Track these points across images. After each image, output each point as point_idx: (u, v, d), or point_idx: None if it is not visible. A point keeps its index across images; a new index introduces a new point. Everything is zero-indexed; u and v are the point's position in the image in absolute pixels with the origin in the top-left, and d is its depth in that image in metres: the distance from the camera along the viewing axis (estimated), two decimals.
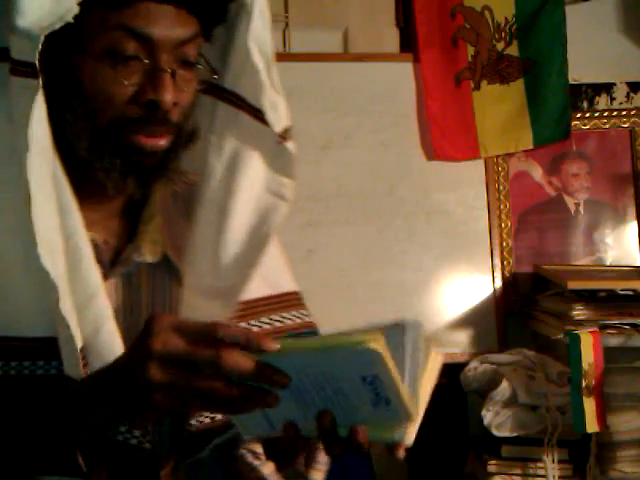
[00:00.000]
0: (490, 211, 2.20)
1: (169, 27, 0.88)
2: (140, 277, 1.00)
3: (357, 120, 2.17)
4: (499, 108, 2.20)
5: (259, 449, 0.92)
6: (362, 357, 0.65)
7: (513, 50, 2.21)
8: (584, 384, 1.65)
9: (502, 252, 2.19)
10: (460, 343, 2.13)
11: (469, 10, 2.20)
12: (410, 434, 0.72)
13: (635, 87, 2.28)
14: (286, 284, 1.13)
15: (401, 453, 0.74)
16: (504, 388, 1.77)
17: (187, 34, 0.90)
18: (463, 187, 2.20)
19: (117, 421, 0.87)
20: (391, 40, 2.25)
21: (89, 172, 0.92)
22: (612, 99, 2.27)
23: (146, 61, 0.88)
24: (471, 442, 2.02)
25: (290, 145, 1.01)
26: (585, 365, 1.66)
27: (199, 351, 0.70)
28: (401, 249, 2.13)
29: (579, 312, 1.84)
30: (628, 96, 2.28)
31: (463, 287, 2.15)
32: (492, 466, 1.81)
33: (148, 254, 0.99)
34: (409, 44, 2.23)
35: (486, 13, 2.21)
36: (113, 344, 0.90)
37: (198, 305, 1.01)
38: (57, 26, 0.83)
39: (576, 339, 1.68)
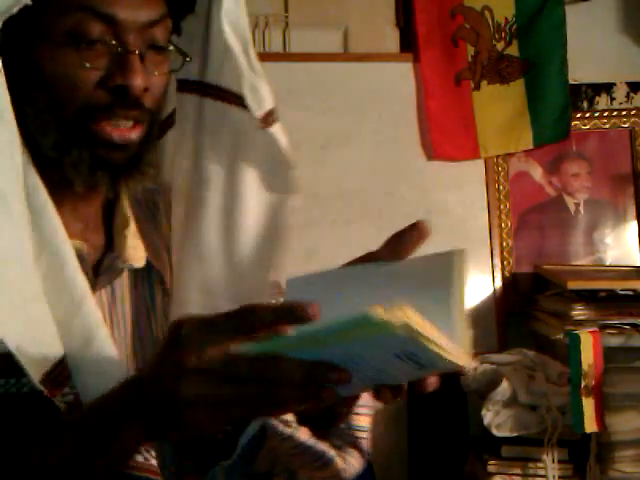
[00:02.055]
0: (490, 211, 2.20)
1: (134, 8, 0.82)
2: (123, 287, 0.93)
3: (357, 120, 2.17)
4: (499, 108, 2.20)
5: (289, 416, 0.85)
6: (391, 339, 0.58)
7: (513, 50, 2.21)
8: (583, 384, 1.65)
9: (502, 252, 2.19)
10: None
11: (469, 10, 2.20)
12: (467, 360, 0.67)
13: (635, 87, 2.28)
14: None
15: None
16: (504, 388, 1.77)
17: (154, 15, 0.84)
18: (463, 187, 2.20)
19: (144, 444, 0.80)
20: (391, 40, 2.25)
21: (58, 173, 0.83)
22: (612, 99, 2.27)
23: (113, 42, 0.81)
24: (471, 442, 2.02)
25: (275, 130, 0.95)
26: (585, 365, 1.66)
27: (239, 362, 0.62)
28: None
29: (579, 312, 1.84)
30: (628, 96, 2.28)
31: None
32: (492, 466, 1.81)
33: (132, 260, 0.92)
34: (409, 44, 2.23)
35: (486, 13, 2.21)
36: (108, 354, 0.83)
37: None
38: (14, 10, 0.77)
39: (576, 339, 1.68)
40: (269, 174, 0.99)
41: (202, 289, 0.98)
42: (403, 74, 2.20)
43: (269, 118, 0.95)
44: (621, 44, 2.28)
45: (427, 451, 2.07)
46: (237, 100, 0.95)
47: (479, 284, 2.16)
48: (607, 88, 2.27)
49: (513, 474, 1.80)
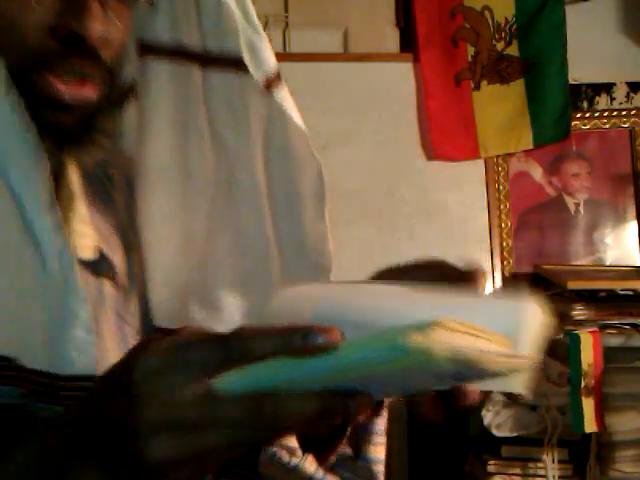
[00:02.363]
0: (490, 211, 2.20)
1: None
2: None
3: (357, 120, 2.17)
4: (499, 108, 2.20)
5: (293, 442, 0.71)
6: (432, 368, 0.47)
7: (513, 50, 2.21)
8: (583, 384, 1.65)
9: (502, 252, 2.19)
10: None
11: (469, 10, 2.20)
12: (522, 383, 0.56)
13: (635, 87, 2.28)
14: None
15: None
16: None
17: None
18: (463, 187, 2.20)
19: None
20: (391, 40, 2.25)
21: None
22: (612, 99, 2.27)
23: None
24: (471, 442, 2.02)
25: (283, 95, 0.83)
26: (585, 365, 1.66)
27: (223, 405, 0.47)
28: (401, 249, 2.13)
29: (579, 312, 1.84)
30: (628, 96, 2.28)
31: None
32: (492, 466, 1.81)
33: (80, 250, 0.72)
34: (409, 44, 2.23)
35: (486, 13, 2.21)
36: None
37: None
38: None
39: (576, 339, 1.68)
40: (280, 146, 0.85)
41: (239, 277, 0.84)
42: (403, 74, 2.20)
43: (273, 82, 0.82)
44: (621, 44, 2.28)
45: (427, 451, 2.07)
46: (238, 63, 0.81)
47: None
48: (607, 88, 2.27)
49: (513, 474, 1.80)
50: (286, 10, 2.19)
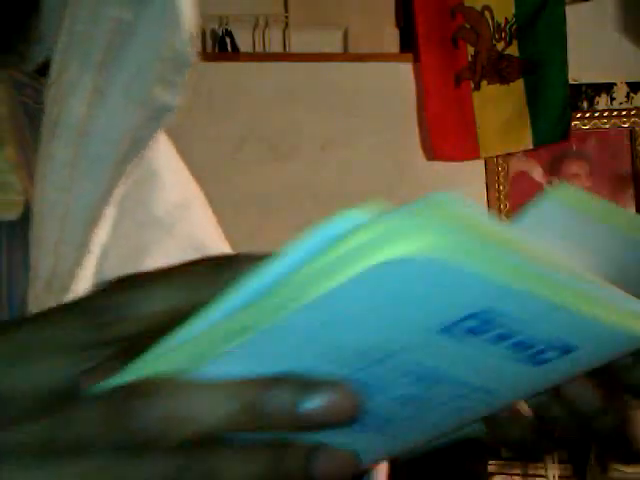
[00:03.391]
0: (490, 211, 2.20)
1: None
2: None
3: (357, 120, 2.17)
4: (499, 108, 2.20)
5: None
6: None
7: (513, 50, 2.21)
8: None
9: None
10: None
11: (469, 10, 2.20)
12: None
13: (635, 87, 2.28)
14: (217, 244, 0.66)
15: None
16: None
17: None
18: (463, 187, 2.20)
19: None
20: (391, 40, 2.25)
21: None
22: (612, 99, 2.27)
23: None
24: (471, 442, 2.02)
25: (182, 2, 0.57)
26: None
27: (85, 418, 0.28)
28: None
29: None
30: (628, 96, 2.28)
31: None
32: (492, 466, 1.81)
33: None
34: (409, 44, 2.23)
35: (486, 13, 2.21)
36: None
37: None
38: None
39: None
40: (156, 74, 0.59)
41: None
42: (403, 74, 2.20)
43: None
44: (621, 44, 2.28)
45: (427, 450, 2.07)
46: None
47: None
48: (607, 88, 2.27)
49: (513, 474, 1.80)
50: (286, 10, 2.19)
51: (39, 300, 0.55)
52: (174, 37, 0.58)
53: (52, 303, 0.54)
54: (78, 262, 0.57)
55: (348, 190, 2.16)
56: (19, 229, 0.57)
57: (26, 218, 0.57)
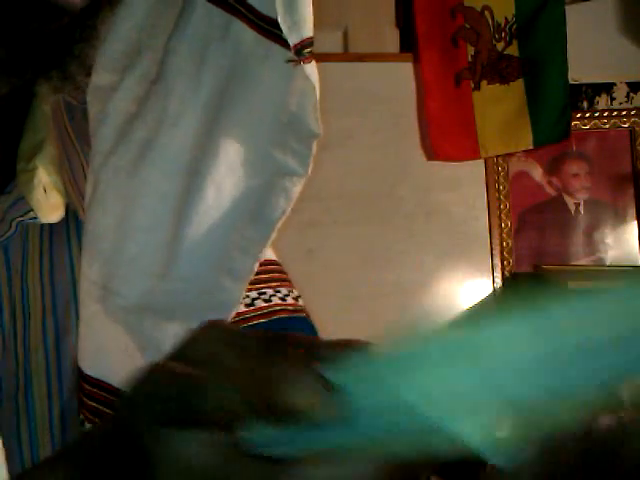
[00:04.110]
0: (490, 211, 2.20)
1: None
2: (29, 249, 0.57)
3: (357, 120, 2.17)
4: (499, 108, 2.20)
5: None
6: None
7: (513, 50, 2.21)
8: None
9: (502, 252, 2.19)
10: None
11: (469, 10, 2.20)
12: None
13: (635, 87, 2.28)
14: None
15: None
16: None
17: None
18: (463, 187, 2.20)
19: None
20: (391, 40, 2.25)
21: None
22: (612, 99, 2.27)
23: None
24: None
25: (310, 69, 0.58)
26: None
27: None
28: (401, 249, 2.13)
29: None
30: (628, 96, 2.28)
31: (463, 287, 2.15)
32: None
33: (41, 211, 0.55)
34: (409, 44, 2.23)
35: (486, 13, 2.21)
36: None
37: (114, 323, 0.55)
38: None
39: None
40: (275, 128, 0.59)
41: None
42: (403, 74, 2.20)
43: (304, 49, 0.58)
44: (621, 44, 2.28)
45: None
46: (250, 15, 0.57)
47: (479, 284, 2.16)
48: (607, 88, 2.27)
49: None
50: None
51: (87, 306, 0.55)
52: (293, 100, 0.59)
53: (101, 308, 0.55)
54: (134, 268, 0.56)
55: (348, 190, 2.16)
56: (61, 230, 0.57)
57: (65, 217, 0.57)
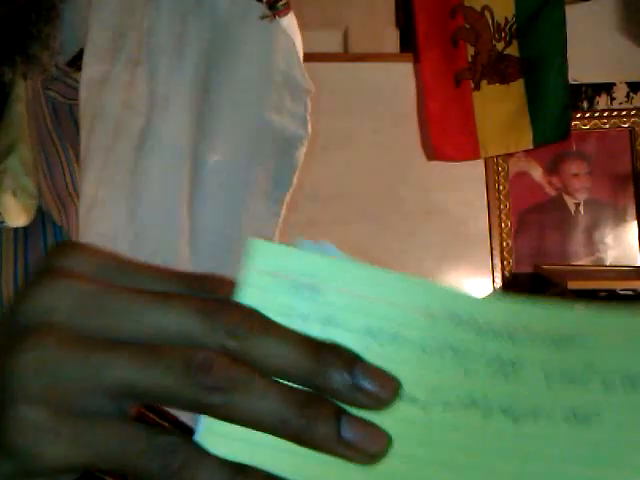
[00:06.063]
0: (490, 211, 2.20)
1: None
2: (2, 254, 0.54)
3: (357, 120, 2.17)
4: (499, 108, 2.20)
5: None
6: None
7: (513, 50, 2.21)
8: None
9: (502, 252, 2.19)
10: None
11: (469, 10, 2.20)
12: None
13: (635, 87, 2.28)
14: None
15: None
16: None
17: None
18: (463, 187, 2.20)
19: None
20: (391, 40, 2.25)
21: None
22: (612, 99, 2.27)
23: None
24: None
25: (287, 22, 0.56)
26: None
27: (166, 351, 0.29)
28: (401, 249, 2.13)
29: None
30: (628, 96, 2.28)
31: (463, 287, 2.15)
32: None
33: (8, 214, 0.52)
34: (409, 44, 2.23)
35: (486, 13, 2.21)
36: None
37: None
38: None
39: None
40: (268, 100, 0.57)
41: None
42: (403, 74, 2.20)
43: (279, 3, 0.56)
44: (621, 44, 2.28)
45: None
46: None
47: (479, 284, 2.16)
48: (607, 88, 2.27)
49: None
50: None
51: None
52: (281, 60, 0.57)
53: None
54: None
55: (348, 190, 2.16)
56: (37, 232, 0.54)
57: (41, 220, 0.54)
